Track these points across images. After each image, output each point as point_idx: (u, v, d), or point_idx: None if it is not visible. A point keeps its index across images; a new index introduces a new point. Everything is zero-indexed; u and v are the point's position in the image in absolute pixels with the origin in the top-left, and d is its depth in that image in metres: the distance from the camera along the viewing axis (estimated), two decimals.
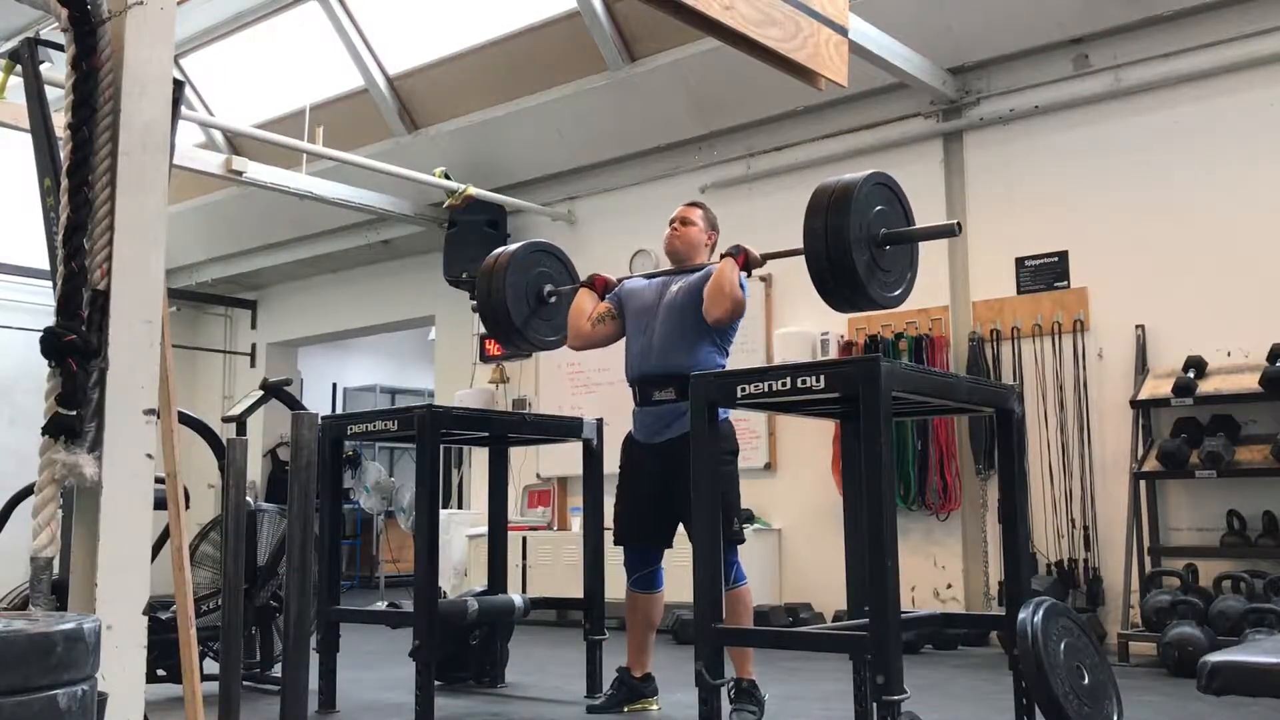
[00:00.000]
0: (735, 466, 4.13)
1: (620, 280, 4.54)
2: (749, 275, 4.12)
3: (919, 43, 6.35)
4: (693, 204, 4.51)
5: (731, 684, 4.00)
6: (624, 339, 4.41)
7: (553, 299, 4.70)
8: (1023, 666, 3.42)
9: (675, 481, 3.93)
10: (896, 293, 3.53)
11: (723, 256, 4.08)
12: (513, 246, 4.75)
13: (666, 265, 4.58)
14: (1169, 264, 6.00)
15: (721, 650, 3.32)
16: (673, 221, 4.44)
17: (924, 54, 6.42)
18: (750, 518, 6.95)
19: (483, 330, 8.90)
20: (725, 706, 3.59)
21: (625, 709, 4.30)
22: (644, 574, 4.30)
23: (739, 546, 4.08)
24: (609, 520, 4.60)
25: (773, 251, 4.13)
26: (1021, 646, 3.38)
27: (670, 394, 4.10)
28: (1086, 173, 6.32)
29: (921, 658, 5.80)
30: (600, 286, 4.48)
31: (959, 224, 3.66)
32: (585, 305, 4.43)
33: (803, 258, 3.45)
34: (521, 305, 4.60)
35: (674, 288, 4.29)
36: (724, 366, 4.18)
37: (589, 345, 4.48)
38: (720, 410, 4.07)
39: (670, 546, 4.35)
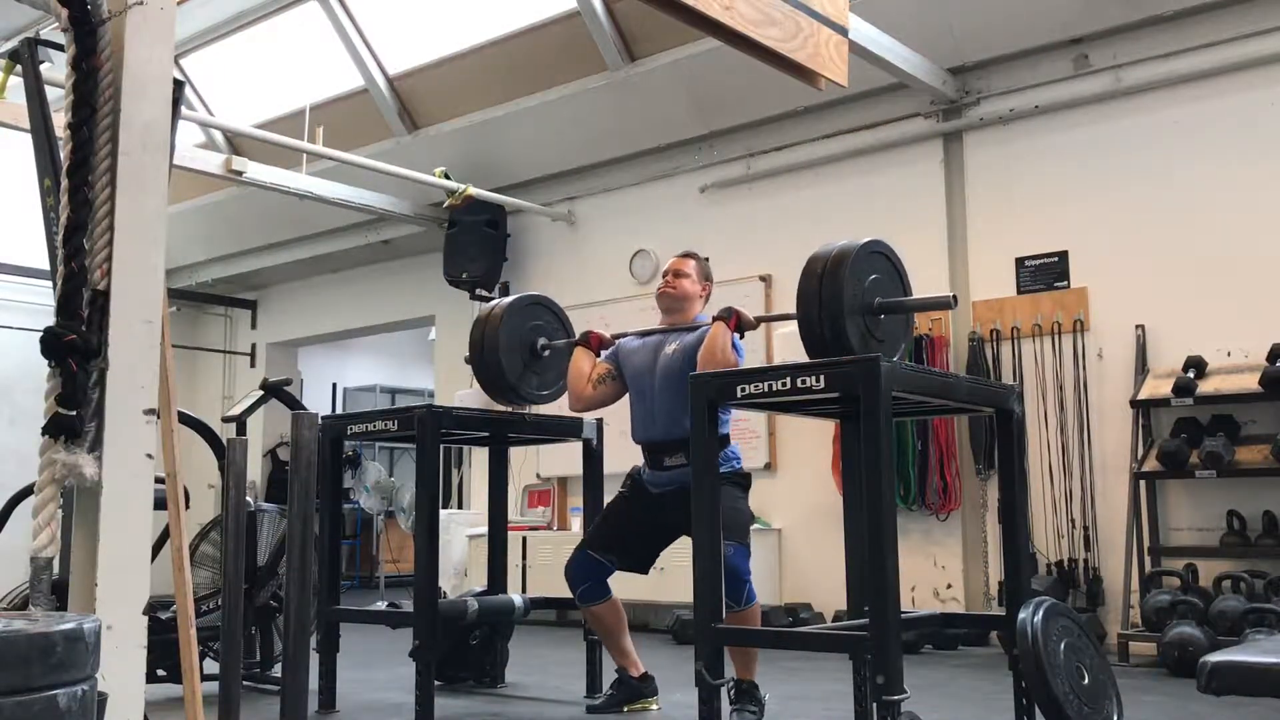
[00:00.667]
0: (746, 494, 4.14)
1: (615, 338, 4.47)
2: (742, 337, 4.05)
3: (919, 43, 6.34)
4: (686, 255, 4.41)
5: (732, 684, 4.00)
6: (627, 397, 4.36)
7: (546, 353, 4.68)
8: (1023, 666, 3.42)
9: (681, 514, 3.86)
10: (892, 360, 3.43)
11: (714, 320, 3.99)
12: (506, 300, 4.71)
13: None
14: (1169, 264, 6.00)
15: (722, 651, 3.32)
16: (665, 273, 4.36)
17: (924, 54, 6.42)
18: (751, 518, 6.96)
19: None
20: (725, 707, 3.59)
21: (625, 709, 4.30)
22: (587, 587, 4.26)
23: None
24: (588, 530, 4.58)
25: (767, 314, 4.12)
26: (1022, 646, 3.38)
27: (680, 459, 4.03)
28: (1086, 173, 6.32)
29: (921, 658, 5.80)
30: (596, 343, 4.40)
31: (955, 297, 3.62)
32: (584, 367, 4.36)
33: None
34: (515, 360, 4.60)
35: (668, 349, 4.19)
36: (727, 425, 4.09)
37: (590, 408, 4.40)
38: (735, 462, 4.09)
39: (630, 569, 4.30)
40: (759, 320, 4.17)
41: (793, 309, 3.47)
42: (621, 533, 4.27)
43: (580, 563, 4.27)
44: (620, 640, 4.35)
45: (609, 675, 4.64)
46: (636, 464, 4.34)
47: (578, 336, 4.51)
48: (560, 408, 7.90)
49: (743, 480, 4.14)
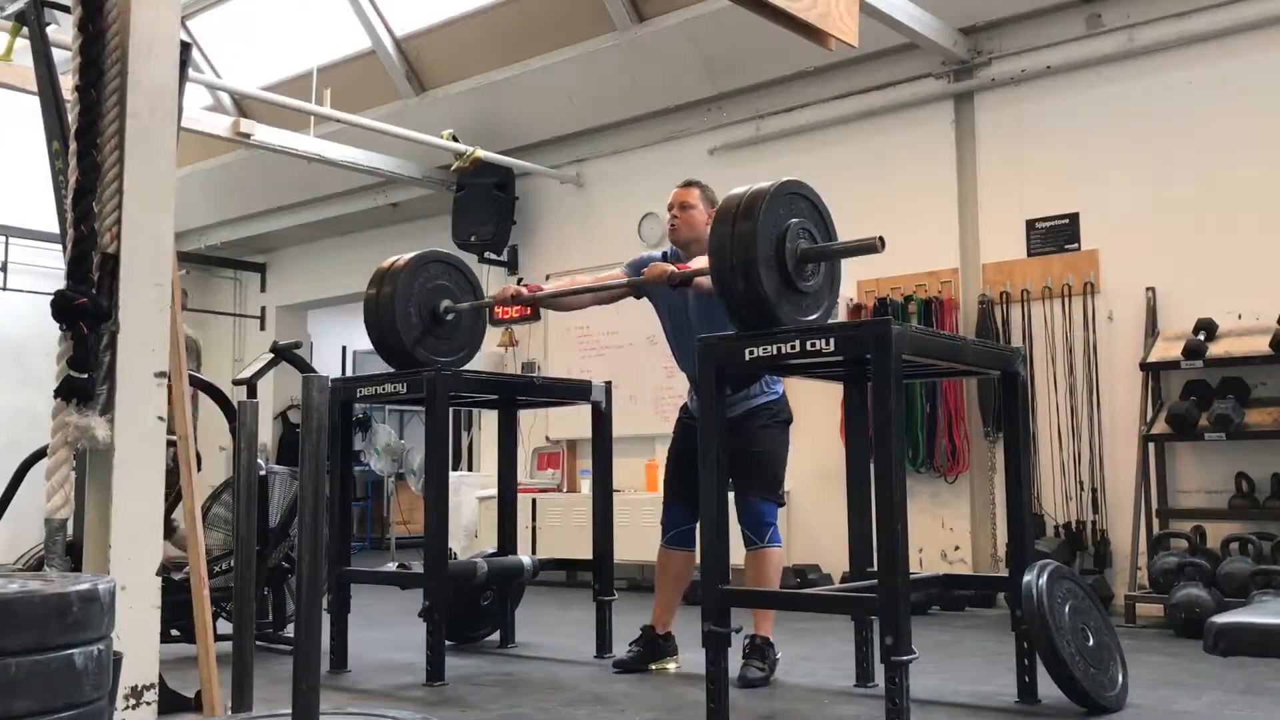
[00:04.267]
0: (787, 434, 4.22)
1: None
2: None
3: (930, 2, 6.28)
4: (687, 184, 4.40)
5: (746, 640, 4.04)
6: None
7: (449, 317, 4.54)
8: (1028, 628, 3.44)
9: (733, 442, 3.89)
10: (813, 315, 3.32)
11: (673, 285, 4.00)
12: (405, 257, 4.53)
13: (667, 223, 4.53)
14: (1180, 226, 5.96)
15: (729, 611, 3.34)
16: (671, 208, 4.36)
17: (935, 14, 6.36)
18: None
19: (492, 294, 8.90)
20: (735, 665, 3.62)
21: (652, 667, 4.33)
22: (678, 532, 4.34)
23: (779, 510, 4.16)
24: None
25: (686, 272, 4.01)
26: (1027, 608, 3.40)
27: (726, 390, 4.06)
28: (1098, 134, 6.27)
29: (929, 618, 5.83)
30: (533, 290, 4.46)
31: (881, 239, 3.21)
32: (581, 298, 4.51)
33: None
34: (413, 324, 4.44)
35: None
36: None
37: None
38: (776, 386, 4.16)
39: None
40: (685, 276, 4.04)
41: None
42: (688, 474, 4.19)
43: (668, 513, 4.37)
44: (673, 594, 4.40)
45: (619, 635, 4.68)
46: (684, 401, 4.45)
47: (518, 293, 4.44)
48: (569, 369, 7.91)
49: (785, 414, 4.21)
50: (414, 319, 4.47)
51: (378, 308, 4.43)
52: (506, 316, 8.65)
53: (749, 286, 3.11)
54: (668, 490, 4.42)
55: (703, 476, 3.42)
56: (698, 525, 4.28)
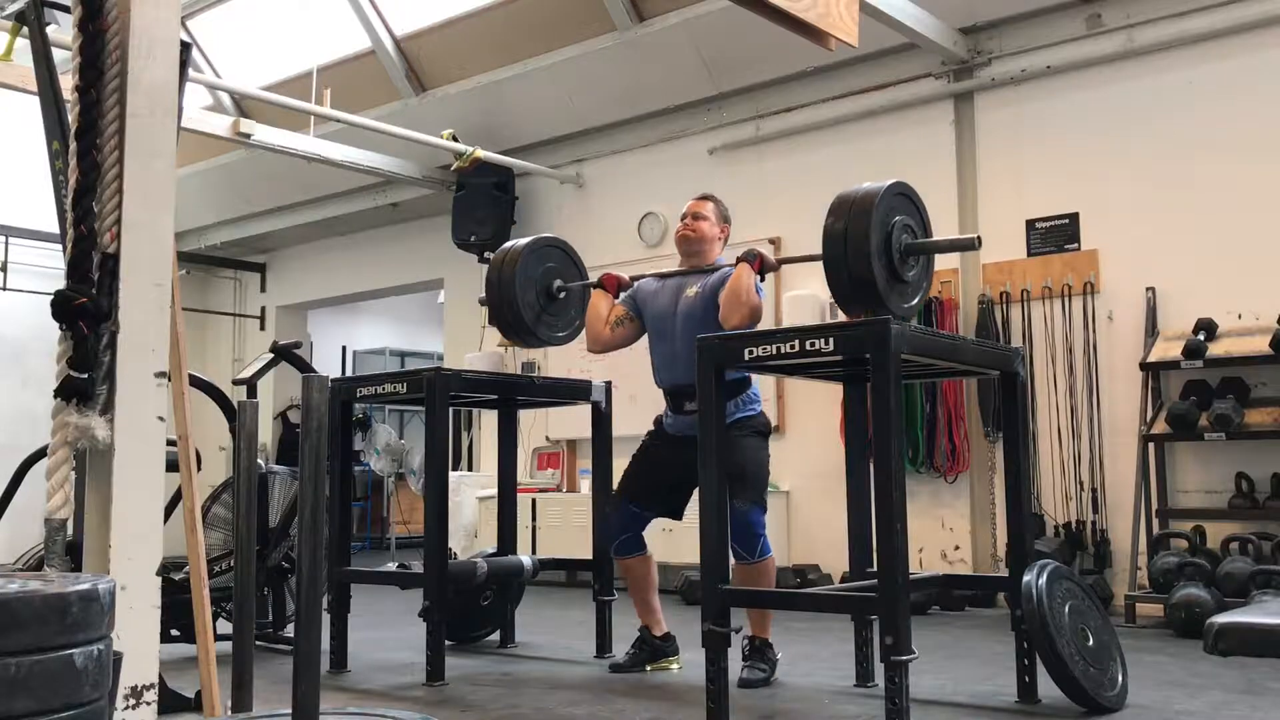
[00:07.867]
0: (766, 444, 4.16)
1: (633, 280, 4.47)
2: (763, 279, 4.06)
3: (930, 2, 6.28)
4: (704, 197, 4.41)
5: (746, 641, 4.04)
6: (645, 340, 4.39)
7: (562, 294, 4.69)
8: (1028, 628, 3.44)
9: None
10: (913, 302, 3.47)
11: (738, 261, 4.00)
12: (522, 242, 4.70)
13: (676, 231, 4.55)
14: (1180, 226, 5.96)
15: (728, 610, 3.34)
16: (684, 216, 4.36)
17: (935, 13, 6.36)
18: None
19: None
20: (736, 666, 3.62)
21: (648, 668, 4.33)
22: (623, 540, 4.33)
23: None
24: (618, 481, 4.62)
25: (789, 256, 4.11)
26: (1027, 608, 3.40)
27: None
28: (1098, 134, 6.27)
29: (929, 619, 5.83)
30: (612, 286, 4.42)
31: (979, 238, 3.66)
32: (601, 309, 4.38)
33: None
34: (531, 302, 4.60)
35: (690, 292, 4.20)
36: (747, 374, 4.14)
37: (608, 349, 4.43)
38: (754, 405, 4.13)
39: (665, 515, 4.36)
40: (781, 262, 4.15)
41: (803, 272, 3.50)
42: (650, 478, 4.31)
43: (619, 514, 4.35)
44: (649, 596, 4.39)
45: (619, 635, 4.68)
46: (659, 412, 4.38)
47: (594, 278, 4.53)
48: (569, 369, 7.92)
49: (763, 427, 4.16)
50: (533, 299, 4.62)
51: (500, 289, 4.56)
52: None
53: (861, 277, 3.26)
54: (626, 487, 4.37)
55: (702, 477, 3.43)
56: (643, 531, 4.36)
